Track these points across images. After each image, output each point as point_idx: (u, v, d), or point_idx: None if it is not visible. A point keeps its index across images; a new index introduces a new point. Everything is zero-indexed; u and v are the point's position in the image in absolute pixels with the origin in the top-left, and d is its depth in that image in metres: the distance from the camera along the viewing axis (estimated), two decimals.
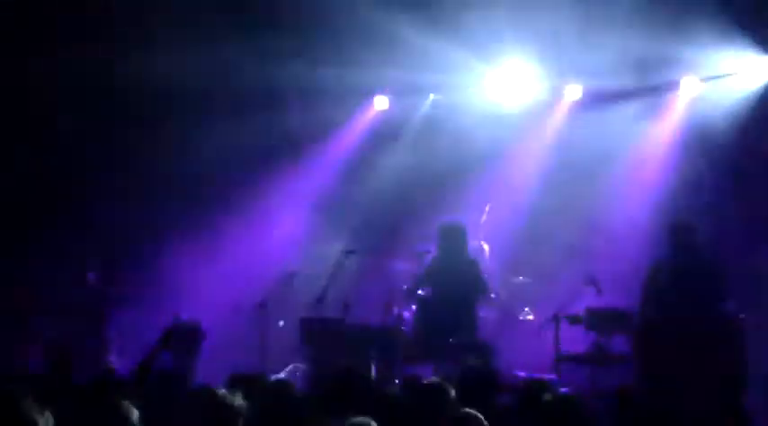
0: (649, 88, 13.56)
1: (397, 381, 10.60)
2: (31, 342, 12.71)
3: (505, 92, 14.04)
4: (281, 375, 11.29)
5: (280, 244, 13.92)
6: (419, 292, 11.44)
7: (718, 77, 13.16)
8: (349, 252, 11.89)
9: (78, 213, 13.47)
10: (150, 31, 12.72)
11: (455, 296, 11.02)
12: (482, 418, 6.21)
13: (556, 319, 10.71)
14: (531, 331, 11.36)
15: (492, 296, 11.77)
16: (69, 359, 8.71)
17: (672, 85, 13.59)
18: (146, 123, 13.54)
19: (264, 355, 11.50)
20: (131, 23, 12.80)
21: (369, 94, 14.44)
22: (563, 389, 10.58)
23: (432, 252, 11.49)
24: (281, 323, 12.14)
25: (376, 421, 5.99)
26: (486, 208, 13.39)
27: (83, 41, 12.62)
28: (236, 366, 8.74)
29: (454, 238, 11.16)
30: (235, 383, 7.40)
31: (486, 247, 13.21)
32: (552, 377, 10.79)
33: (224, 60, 13.16)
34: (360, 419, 5.94)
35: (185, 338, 12.05)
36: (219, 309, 12.89)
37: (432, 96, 14.59)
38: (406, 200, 14.32)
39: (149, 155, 13.57)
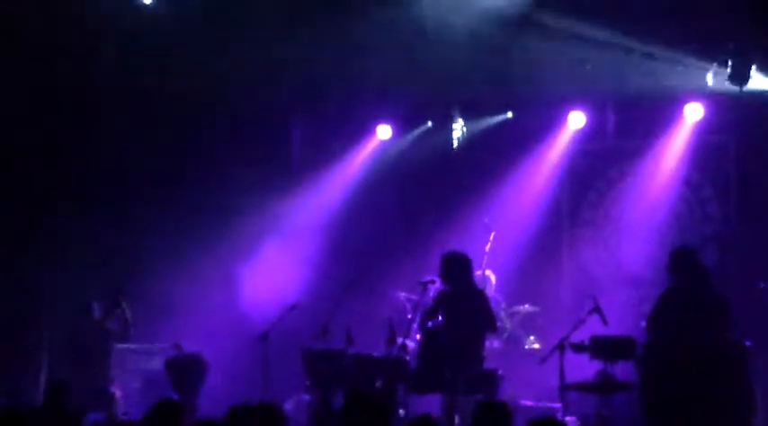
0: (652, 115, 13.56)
1: (402, 412, 10.54)
2: (36, 374, 12.73)
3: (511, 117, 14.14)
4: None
5: (281, 275, 13.89)
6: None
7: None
8: (352, 282, 11.86)
9: (82, 245, 13.46)
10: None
11: (462, 326, 10.94)
12: None
13: (561, 348, 10.62)
14: (537, 359, 11.26)
15: (498, 326, 11.72)
16: (66, 396, 8.68)
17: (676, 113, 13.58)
18: (144, 151, 13.58)
19: (267, 386, 11.42)
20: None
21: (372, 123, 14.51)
22: (569, 418, 10.54)
23: (436, 282, 11.42)
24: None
25: None
26: (491, 237, 13.35)
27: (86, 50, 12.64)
28: (239, 397, 8.66)
29: (459, 269, 11.10)
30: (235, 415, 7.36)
31: (492, 277, 13.17)
32: (558, 405, 10.72)
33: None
34: None
35: (188, 370, 12.06)
36: (222, 340, 12.86)
37: (429, 124, 14.65)
38: (409, 229, 14.33)
39: (149, 183, 13.61)
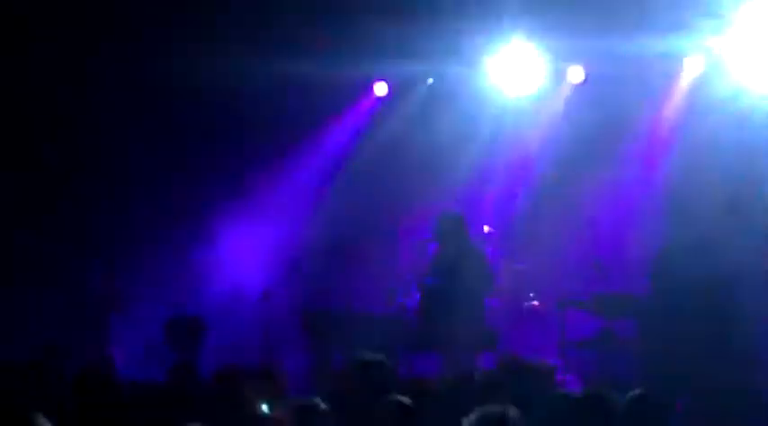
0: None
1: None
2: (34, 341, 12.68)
3: (507, 74, 13.93)
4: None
5: (282, 234, 13.86)
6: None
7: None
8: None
9: (78, 209, 13.42)
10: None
11: (459, 285, 10.91)
12: None
13: (561, 305, 10.61)
14: (537, 317, 11.27)
15: (497, 287, 11.69)
16: (55, 359, 8.67)
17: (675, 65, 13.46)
18: (144, 119, 13.52)
19: (268, 346, 11.43)
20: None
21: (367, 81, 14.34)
22: (568, 376, 10.54)
23: (433, 240, 11.37)
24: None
25: None
26: (489, 191, 13.30)
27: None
28: (240, 358, 8.65)
29: (453, 228, 11.04)
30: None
31: (486, 229, 13.13)
32: (558, 362, 10.71)
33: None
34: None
35: (187, 331, 12.03)
36: (221, 302, 12.85)
37: (430, 80, 14.49)
38: (405, 188, 14.26)
39: (145, 149, 13.55)
